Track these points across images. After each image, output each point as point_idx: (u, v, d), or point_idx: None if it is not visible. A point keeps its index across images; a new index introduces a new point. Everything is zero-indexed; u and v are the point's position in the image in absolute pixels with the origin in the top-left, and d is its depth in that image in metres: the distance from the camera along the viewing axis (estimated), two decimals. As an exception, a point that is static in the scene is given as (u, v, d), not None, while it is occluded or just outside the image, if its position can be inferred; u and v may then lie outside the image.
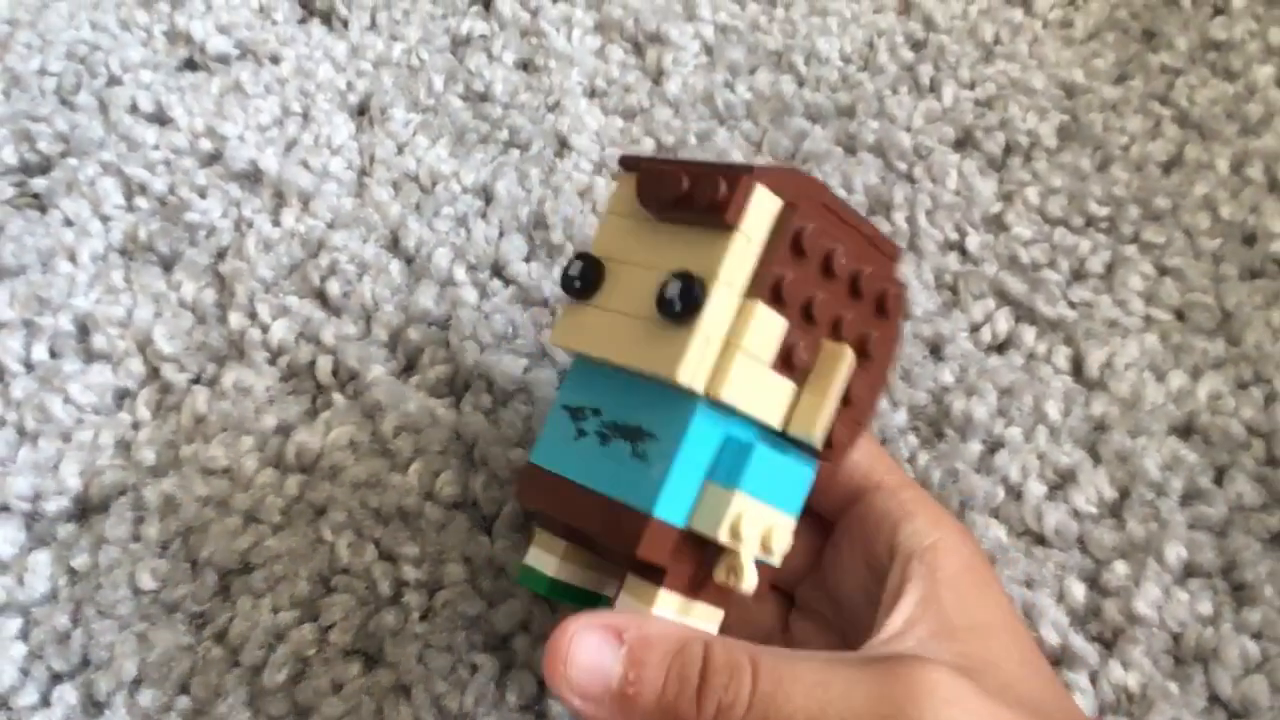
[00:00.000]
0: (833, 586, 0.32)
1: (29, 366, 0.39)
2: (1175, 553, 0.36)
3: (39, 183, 0.44)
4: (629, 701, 0.24)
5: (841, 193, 0.45)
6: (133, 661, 0.34)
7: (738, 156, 0.46)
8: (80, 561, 0.35)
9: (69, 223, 0.43)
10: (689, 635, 0.25)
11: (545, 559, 0.30)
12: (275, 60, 0.49)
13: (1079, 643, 0.35)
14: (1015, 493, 0.38)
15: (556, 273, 0.42)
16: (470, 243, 0.43)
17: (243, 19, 0.50)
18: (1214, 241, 0.44)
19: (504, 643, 0.35)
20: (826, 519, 0.32)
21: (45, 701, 0.34)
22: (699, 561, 0.27)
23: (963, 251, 0.44)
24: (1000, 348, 0.42)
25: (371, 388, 0.39)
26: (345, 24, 0.51)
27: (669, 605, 0.27)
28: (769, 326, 0.26)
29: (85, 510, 0.37)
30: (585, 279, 0.28)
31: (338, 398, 0.39)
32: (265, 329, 0.40)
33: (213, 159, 0.45)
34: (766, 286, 0.26)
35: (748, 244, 0.26)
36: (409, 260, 0.42)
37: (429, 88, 0.48)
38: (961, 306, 0.42)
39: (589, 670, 0.25)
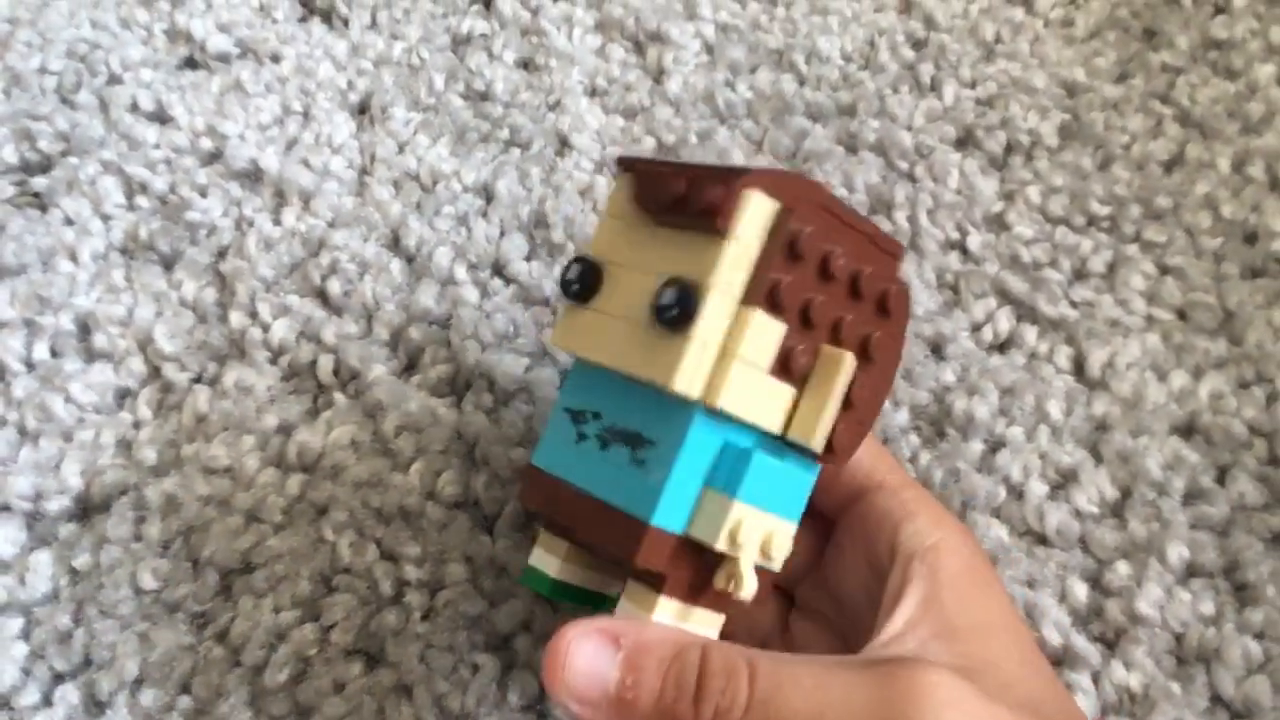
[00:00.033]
0: (833, 586, 0.32)
1: (30, 366, 0.39)
2: (1177, 553, 0.36)
3: (40, 182, 0.44)
4: (627, 707, 0.25)
5: (843, 192, 0.45)
6: (134, 661, 0.34)
7: (739, 156, 0.46)
8: (82, 561, 0.35)
9: (70, 222, 0.43)
10: (686, 640, 0.25)
11: (548, 560, 0.30)
12: (276, 59, 0.49)
13: (1081, 643, 0.35)
14: (1017, 492, 0.38)
15: (558, 272, 0.42)
16: (471, 242, 0.43)
17: (243, 17, 0.50)
18: (1215, 240, 0.44)
19: (506, 643, 0.35)
20: (828, 518, 0.32)
21: (47, 701, 0.34)
22: (699, 567, 0.27)
23: (964, 251, 0.44)
24: (1002, 347, 0.42)
25: (373, 387, 0.39)
26: (346, 23, 0.50)
27: (669, 611, 0.27)
28: (766, 332, 0.26)
29: (87, 510, 0.37)
30: (583, 283, 0.28)
31: (339, 397, 0.39)
32: (266, 328, 0.40)
33: (213, 158, 0.45)
34: (763, 292, 0.26)
35: (743, 249, 0.26)
36: (410, 259, 0.42)
37: (430, 87, 0.48)
38: (963, 306, 0.42)
39: (586, 676, 0.25)
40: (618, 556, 0.26)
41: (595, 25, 0.51)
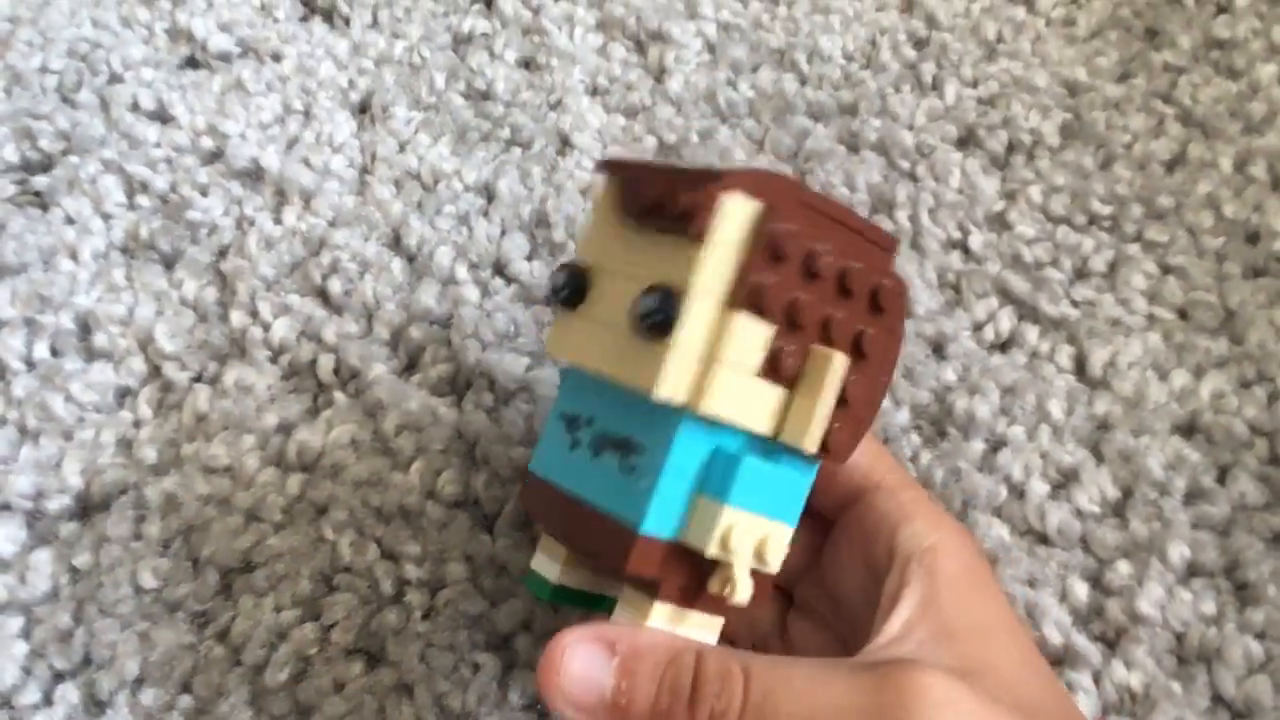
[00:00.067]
0: (831, 586, 0.32)
1: (30, 365, 0.39)
2: (1178, 552, 0.36)
3: (40, 180, 0.44)
4: (622, 712, 0.25)
5: (844, 191, 0.45)
6: (135, 660, 0.34)
7: (740, 155, 0.46)
8: (82, 560, 0.35)
9: (70, 221, 0.43)
10: (681, 645, 0.25)
11: (548, 565, 0.30)
12: (277, 58, 0.48)
13: (1082, 642, 0.35)
14: (1018, 492, 0.38)
15: (557, 272, 0.42)
16: (472, 241, 0.43)
17: (244, 16, 0.50)
18: (1217, 240, 0.44)
19: (506, 642, 0.35)
20: (826, 517, 0.32)
21: (47, 700, 0.34)
22: (694, 572, 0.26)
23: (965, 250, 0.44)
24: (1003, 346, 0.42)
25: (373, 386, 0.39)
26: (347, 22, 0.50)
27: (664, 616, 0.26)
28: (751, 335, 0.26)
29: (87, 509, 0.37)
30: (571, 288, 0.28)
31: (339, 396, 0.39)
32: (267, 327, 0.40)
33: (214, 157, 0.45)
34: (745, 294, 0.25)
35: (723, 252, 0.25)
36: (411, 258, 0.42)
37: (431, 86, 0.48)
38: (964, 305, 0.42)
39: (582, 682, 0.25)
40: (609, 564, 0.26)
41: (596, 24, 0.51)
